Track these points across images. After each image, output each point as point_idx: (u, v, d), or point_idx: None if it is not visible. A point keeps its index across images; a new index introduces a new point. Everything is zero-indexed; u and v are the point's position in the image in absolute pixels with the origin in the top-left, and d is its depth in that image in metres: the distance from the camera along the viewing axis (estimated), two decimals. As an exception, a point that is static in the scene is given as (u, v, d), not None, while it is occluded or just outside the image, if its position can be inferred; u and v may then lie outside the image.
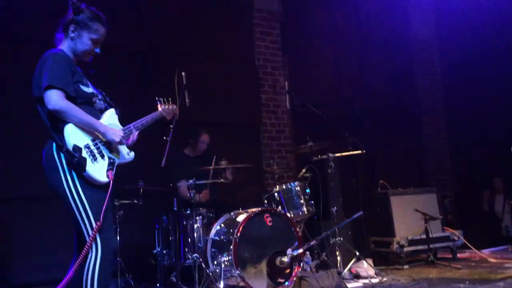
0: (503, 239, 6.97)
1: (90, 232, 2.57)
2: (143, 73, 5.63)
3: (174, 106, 3.44)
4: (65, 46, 2.82)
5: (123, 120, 2.98)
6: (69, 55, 2.80)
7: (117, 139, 2.76)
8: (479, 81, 7.97)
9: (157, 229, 4.72)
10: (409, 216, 5.49)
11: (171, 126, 3.82)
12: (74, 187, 2.58)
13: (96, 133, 2.71)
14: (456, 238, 5.62)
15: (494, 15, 7.50)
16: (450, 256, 5.65)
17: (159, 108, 3.33)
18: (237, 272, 3.84)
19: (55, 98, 2.57)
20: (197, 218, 4.44)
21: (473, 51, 7.91)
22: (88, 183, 2.61)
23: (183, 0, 6.12)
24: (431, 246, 5.36)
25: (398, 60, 8.35)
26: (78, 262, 2.55)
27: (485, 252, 5.85)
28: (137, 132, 2.97)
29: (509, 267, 4.88)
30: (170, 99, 3.47)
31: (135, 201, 4.56)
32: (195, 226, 4.40)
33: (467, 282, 4.15)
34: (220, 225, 4.32)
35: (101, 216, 2.56)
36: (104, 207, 2.58)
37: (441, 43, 8.77)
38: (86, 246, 2.54)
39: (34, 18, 4.90)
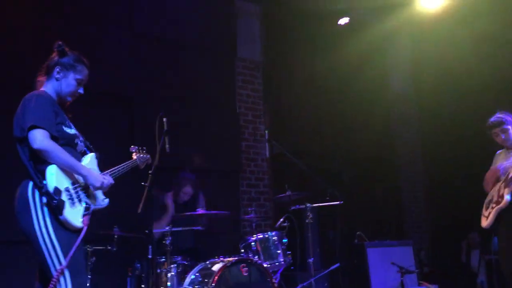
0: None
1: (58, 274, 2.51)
2: (123, 118, 5.63)
3: (148, 156, 3.48)
4: (48, 87, 2.84)
5: (103, 165, 2.96)
6: (53, 96, 2.83)
7: (98, 184, 2.76)
8: (458, 132, 8.08)
9: (129, 277, 4.58)
10: (386, 269, 5.47)
11: (150, 172, 3.79)
12: (45, 229, 2.53)
13: (76, 176, 2.69)
14: (431, 293, 5.61)
15: (472, 65, 7.70)
16: (426, 311, 5.62)
17: (134, 157, 3.35)
18: (211, 324, 3.74)
19: (40, 138, 2.56)
20: (172, 266, 4.33)
21: (451, 102, 8.09)
22: (61, 226, 2.56)
23: (166, 46, 6.20)
24: (407, 300, 5.32)
25: (377, 112, 8.50)
26: None
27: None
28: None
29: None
30: (145, 148, 3.49)
31: (109, 247, 4.45)
32: (169, 274, 4.28)
33: None
34: (195, 274, 4.21)
35: (67, 259, 2.51)
36: (72, 250, 2.53)
37: (419, 95, 8.99)
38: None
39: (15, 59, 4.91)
